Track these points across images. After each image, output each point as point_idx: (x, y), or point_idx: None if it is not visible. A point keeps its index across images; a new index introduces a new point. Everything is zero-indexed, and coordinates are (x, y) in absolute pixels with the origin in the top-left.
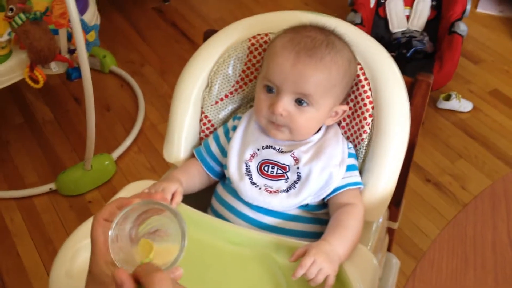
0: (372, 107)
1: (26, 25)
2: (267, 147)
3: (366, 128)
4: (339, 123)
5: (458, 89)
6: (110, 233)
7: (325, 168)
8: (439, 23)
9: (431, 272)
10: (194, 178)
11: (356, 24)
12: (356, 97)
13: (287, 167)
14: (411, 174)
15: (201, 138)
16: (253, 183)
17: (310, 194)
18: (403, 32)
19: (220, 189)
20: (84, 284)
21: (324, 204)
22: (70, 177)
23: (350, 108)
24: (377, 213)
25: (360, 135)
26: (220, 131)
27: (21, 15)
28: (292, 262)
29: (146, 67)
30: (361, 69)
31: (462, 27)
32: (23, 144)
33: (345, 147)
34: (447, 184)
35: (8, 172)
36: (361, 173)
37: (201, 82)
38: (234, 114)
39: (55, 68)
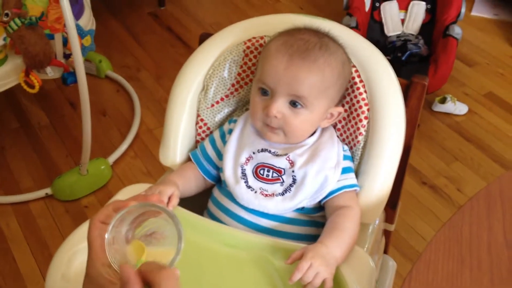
0: (368, 109)
1: (22, 30)
2: (262, 150)
3: (362, 130)
4: (334, 125)
5: (453, 92)
6: (106, 235)
7: (320, 171)
8: (434, 27)
9: (427, 273)
10: (191, 181)
11: (351, 28)
12: (351, 99)
13: (283, 170)
14: (407, 176)
15: (197, 141)
16: (249, 187)
17: (305, 197)
18: (398, 36)
19: (216, 192)
20: (80, 287)
21: (320, 207)
22: (66, 182)
23: (345, 110)
24: (373, 215)
25: (356, 137)
26: (216, 134)
27: (17, 20)
28: (288, 265)
29: (142, 72)
30: (356, 71)
31: (456, 30)
32: (18, 149)
33: (340, 150)
34: (443, 186)
35: (3, 177)
36: (357, 175)
37: (196, 85)
38: (230, 117)
39: (51, 73)
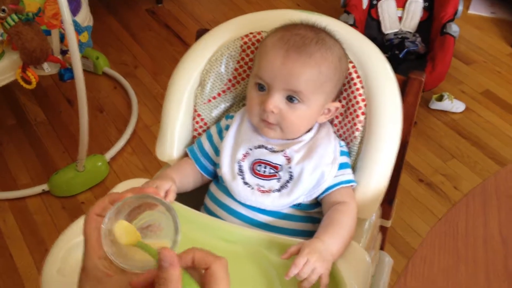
0: (365, 105)
1: (19, 26)
2: (259, 146)
3: (359, 125)
4: (331, 121)
5: (451, 90)
6: (102, 227)
7: (317, 167)
8: (431, 24)
9: (423, 267)
10: (188, 177)
11: None
12: (348, 95)
13: (279, 166)
14: (404, 174)
15: (193, 137)
16: (246, 183)
17: (302, 193)
18: (395, 33)
19: (213, 188)
20: (77, 281)
21: (317, 203)
22: (63, 178)
23: (342, 106)
24: (369, 211)
25: (353, 132)
26: (213, 130)
27: (13, 16)
28: (284, 260)
29: (139, 69)
30: (354, 67)
31: (454, 28)
32: (15, 145)
33: (337, 146)
34: (439, 184)
35: (0, 173)
36: (353, 171)
37: (193, 81)
38: (226, 113)
39: (48, 69)
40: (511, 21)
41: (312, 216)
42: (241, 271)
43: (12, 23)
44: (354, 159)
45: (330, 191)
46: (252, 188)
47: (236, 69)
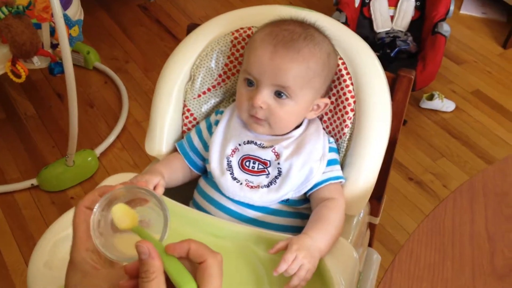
0: (354, 102)
1: (8, 19)
2: (248, 142)
3: (348, 122)
4: (321, 118)
5: (441, 89)
6: (92, 217)
7: (305, 163)
8: (423, 24)
9: (409, 263)
10: (177, 171)
11: None
12: (338, 91)
13: (268, 162)
14: (393, 172)
15: (183, 132)
16: (234, 178)
17: (291, 189)
18: (387, 32)
19: (202, 183)
20: (64, 274)
21: (305, 199)
22: (52, 173)
23: (332, 103)
24: (358, 207)
25: (342, 129)
26: (203, 125)
27: (3, 8)
28: (272, 255)
29: (130, 64)
30: (343, 63)
31: (445, 28)
32: (4, 139)
33: (326, 142)
34: (429, 182)
35: None
36: (342, 167)
37: (183, 75)
38: (216, 108)
39: (38, 62)
40: (502, 22)
41: (300, 212)
42: (229, 266)
43: (2, 16)
44: (343, 155)
45: (318, 187)
46: (241, 184)
47: (226, 64)
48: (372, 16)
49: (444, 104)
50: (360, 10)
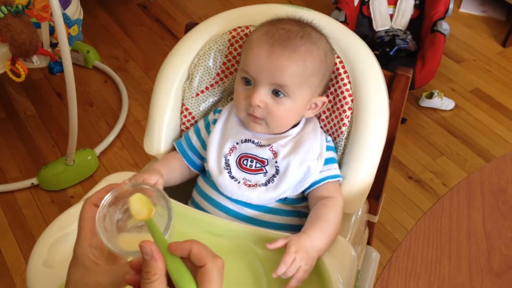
0: (352, 100)
1: (8, 18)
2: (246, 141)
3: (346, 121)
4: (318, 116)
5: (441, 88)
6: (98, 211)
7: (303, 162)
8: (422, 22)
9: (406, 261)
10: (175, 170)
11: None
12: (335, 90)
13: (266, 161)
14: (393, 171)
15: (181, 131)
16: (232, 177)
17: (288, 187)
18: (386, 31)
19: (200, 182)
20: (65, 272)
21: (303, 198)
22: (52, 172)
23: (329, 101)
24: (355, 206)
25: (340, 128)
26: (201, 124)
27: (3, 8)
28: (270, 251)
29: (130, 63)
30: (341, 62)
31: (444, 26)
32: (5, 138)
33: (324, 141)
34: (428, 181)
35: None
36: (340, 166)
37: (181, 74)
38: (214, 107)
39: (37, 62)
40: (502, 20)
41: (298, 210)
42: (227, 264)
43: (2, 15)
44: (341, 154)
45: (316, 186)
46: (239, 182)
47: (224, 63)
48: (372, 15)
49: (443, 103)
50: (360, 8)
